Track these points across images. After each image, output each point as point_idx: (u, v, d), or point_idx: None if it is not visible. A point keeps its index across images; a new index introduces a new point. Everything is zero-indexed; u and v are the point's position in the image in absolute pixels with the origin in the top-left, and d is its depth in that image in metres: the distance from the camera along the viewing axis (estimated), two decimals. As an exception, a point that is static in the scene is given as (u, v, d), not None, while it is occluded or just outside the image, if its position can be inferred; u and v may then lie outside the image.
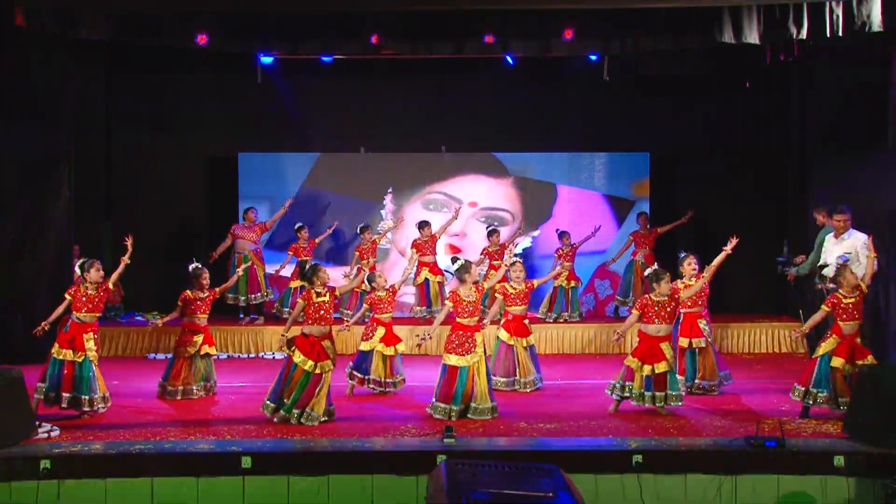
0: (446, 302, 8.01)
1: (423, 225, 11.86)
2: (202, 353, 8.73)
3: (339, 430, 7.29)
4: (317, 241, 12.13)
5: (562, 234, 12.19)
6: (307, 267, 7.85)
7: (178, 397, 8.57)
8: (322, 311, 7.61)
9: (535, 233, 13.07)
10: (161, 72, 12.78)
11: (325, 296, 7.62)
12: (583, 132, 13.18)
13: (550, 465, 4.42)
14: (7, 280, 10.31)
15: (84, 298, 7.85)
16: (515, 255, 9.22)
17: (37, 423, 7.12)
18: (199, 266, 8.90)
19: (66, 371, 7.69)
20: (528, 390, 8.87)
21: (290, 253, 11.95)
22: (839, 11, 9.42)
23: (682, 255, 8.78)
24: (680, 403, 7.76)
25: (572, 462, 6.09)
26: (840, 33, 9.48)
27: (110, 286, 8.06)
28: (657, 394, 7.66)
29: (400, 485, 6.44)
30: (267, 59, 11.57)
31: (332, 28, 10.31)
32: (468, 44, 10.58)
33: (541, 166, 13.02)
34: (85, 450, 6.61)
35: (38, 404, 7.69)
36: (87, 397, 7.70)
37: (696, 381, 8.58)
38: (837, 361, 7.55)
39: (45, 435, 7.01)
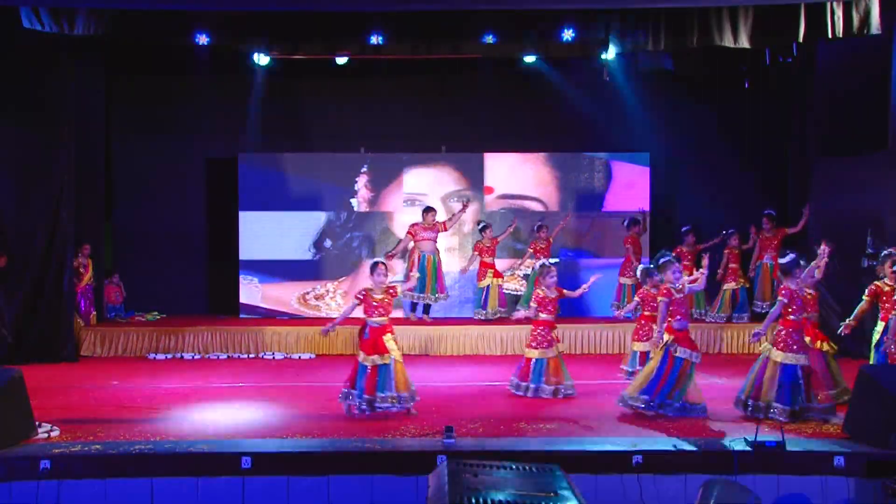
0: (660, 299, 7.87)
1: (485, 227, 11.95)
2: None
3: (339, 430, 7.28)
4: (499, 239, 12.13)
5: (631, 222, 12.10)
6: (661, 262, 7.95)
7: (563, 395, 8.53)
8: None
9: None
10: (161, 72, 12.80)
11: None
12: (583, 132, 13.17)
13: (551, 465, 4.42)
14: (8, 279, 10.31)
15: (374, 304, 7.79)
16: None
17: (37, 423, 7.11)
18: None
19: (369, 374, 7.67)
20: None
21: (475, 252, 12.03)
22: (839, 13, 9.44)
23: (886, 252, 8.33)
24: None
25: (572, 462, 6.08)
26: (840, 35, 9.49)
27: (399, 292, 8.06)
28: None
29: (400, 485, 6.44)
30: (264, 62, 11.62)
31: (332, 28, 10.32)
32: (468, 44, 10.60)
33: (541, 167, 12.99)
34: (85, 450, 6.60)
35: (350, 409, 7.77)
36: (386, 395, 7.66)
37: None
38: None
39: (45, 435, 7.00)
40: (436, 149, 13.04)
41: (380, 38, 10.38)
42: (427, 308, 12.04)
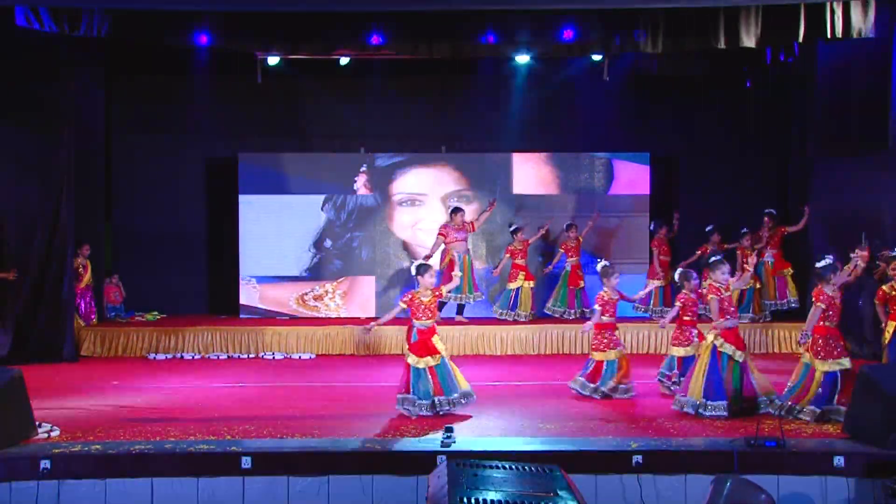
0: (711, 297, 7.81)
1: (517, 230, 11.99)
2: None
3: (339, 430, 7.28)
4: (530, 241, 12.17)
5: (658, 225, 12.25)
6: (712, 261, 7.95)
7: (624, 395, 8.45)
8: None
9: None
10: (161, 72, 12.79)
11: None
12: (583, 132, 13.17)
13: (551, 465, 4.43)
14: (9, 279, 10.32)
15: (421, 307, 7.78)
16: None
17: (37, 423, 7.11)
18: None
19: (431, 377, 7.67)
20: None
21: (507, 255, 12.04)
22: (839, 12, 9.45)
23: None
24: None
25: (572, 462, 6.08)
26: (840, 35, 9.50)
27: (444, 293, 8.06)
28: None
29: (400, 485, 6.44)
30: (273, 62, 11.66)
31: (332, 28, 10.32)
32: (468, 44, 10.60)
33: (541, 167, 12.99)
34: (85, 450, 6.60)
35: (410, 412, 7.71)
36: (450, 398, 7.68)
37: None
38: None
39: (45, 435, 7.01)
40: (436, 149, 13.04)
41: (380, 38, 10.38)
42: (461, 308, 12.05)
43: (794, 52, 11.67)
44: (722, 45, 9.74)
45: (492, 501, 3.89)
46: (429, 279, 7.84)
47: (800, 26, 9.60)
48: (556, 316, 12.04)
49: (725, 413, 7.51)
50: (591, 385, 8.49)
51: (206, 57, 11.85)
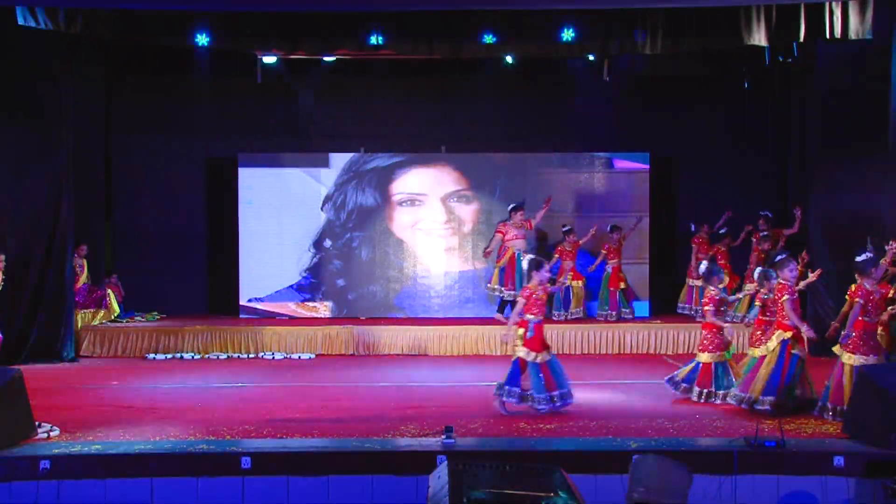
0: (785, 298, 7.64)
1: (569, 231, 12.06)
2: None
3: (339, 430, 7.28)
4: (581, 242, 12.21)
5: (698, 224, 12.31)
6: (778, 259, 7.88)
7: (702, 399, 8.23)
8: None
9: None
10: (161, 72, 12.80)
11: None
12: (583, 132, 13.18)
13: (551, 465, 4.42)
14: (9, 279, 10.31)
15: (538, 302, 7.77)
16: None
17: (36, 423, 7.10)
18: None
19: (544, 373, 7.67)
20: None
21: (556, 255, 12.03)
22: (838, 12, 9.45)
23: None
24: None
25: (572, 462, 6.07)
26: (838, 35, 9.50)
27: (549, 287, 8.03)
28: None
29: (400, 485, 6.44)
30: (270, 60, 11.64)
31: (332, 28, 10.33)
32: (468, 44, 10.61)
33: (541, 167, 12.99)
34: (85, 450, 6.60)
35: (504, 405, 7.76)
36: (562, 391, 7.72)
37: None
38: None
39: (45, 435, 7.00)
40: (436, 149, 13.04)
41: (380, 38, 10.39)
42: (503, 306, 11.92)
43: (793, 52, 11.66)
44: (722, 45, 9.76)
45: (492, 502, 3.89)
46: (544, 274, 7.80)
47: (800, 26, 9.62)
48: (601, 319, 12.03)
49: (769, 408, 7.47)
50: (706, 391, 8.19)
51: (206, 57, 11.85)
